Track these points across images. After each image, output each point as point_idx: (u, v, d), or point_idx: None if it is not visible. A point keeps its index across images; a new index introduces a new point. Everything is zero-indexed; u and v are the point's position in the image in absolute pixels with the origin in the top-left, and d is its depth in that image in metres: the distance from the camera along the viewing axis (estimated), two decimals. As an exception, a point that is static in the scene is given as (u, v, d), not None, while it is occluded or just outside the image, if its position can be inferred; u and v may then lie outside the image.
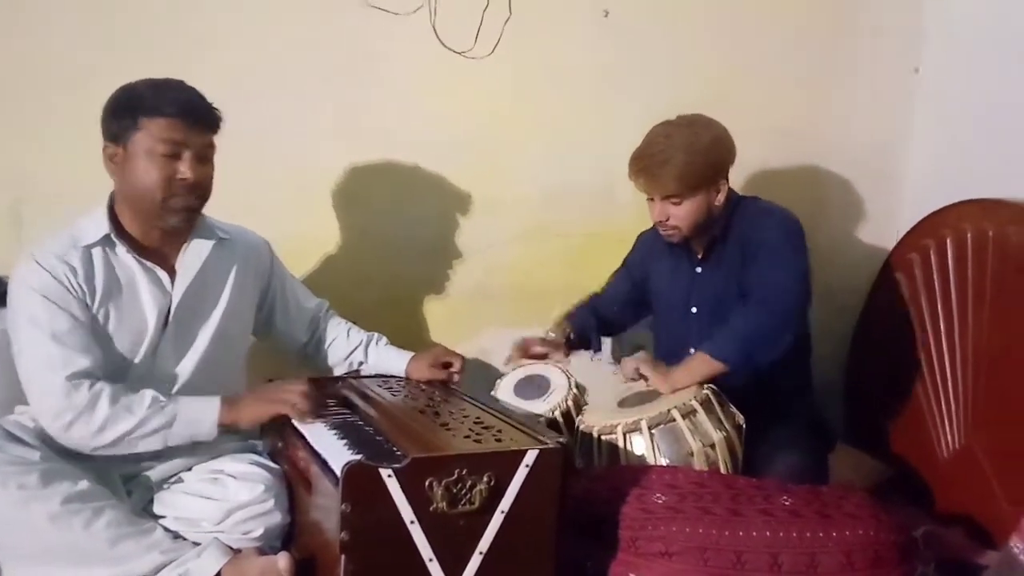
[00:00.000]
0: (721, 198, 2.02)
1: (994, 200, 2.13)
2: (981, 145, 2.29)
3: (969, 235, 2.17)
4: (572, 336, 2.18)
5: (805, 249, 2.01)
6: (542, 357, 2.15)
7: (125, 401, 1.57)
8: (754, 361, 1.89)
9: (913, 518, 1.83)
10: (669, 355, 2.07)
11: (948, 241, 2.23)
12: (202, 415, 1.61)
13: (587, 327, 2.23)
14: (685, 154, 1.93)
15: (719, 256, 2.08)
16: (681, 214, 2.00)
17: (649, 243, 2.26)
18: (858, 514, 1.61)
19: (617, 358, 2.36)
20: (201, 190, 1.67)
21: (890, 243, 2.50)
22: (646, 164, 1.97)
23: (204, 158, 1.66)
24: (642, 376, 1.98)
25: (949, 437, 2.17)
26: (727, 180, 2.03)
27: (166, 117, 1.60)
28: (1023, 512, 1.41)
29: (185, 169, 1.62)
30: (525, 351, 2.15)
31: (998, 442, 2.01)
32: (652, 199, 2.03)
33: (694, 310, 2.12)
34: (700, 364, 1.92)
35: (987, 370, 2.07)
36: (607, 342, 2.38)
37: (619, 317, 2.30)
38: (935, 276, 2.26)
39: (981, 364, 2.09)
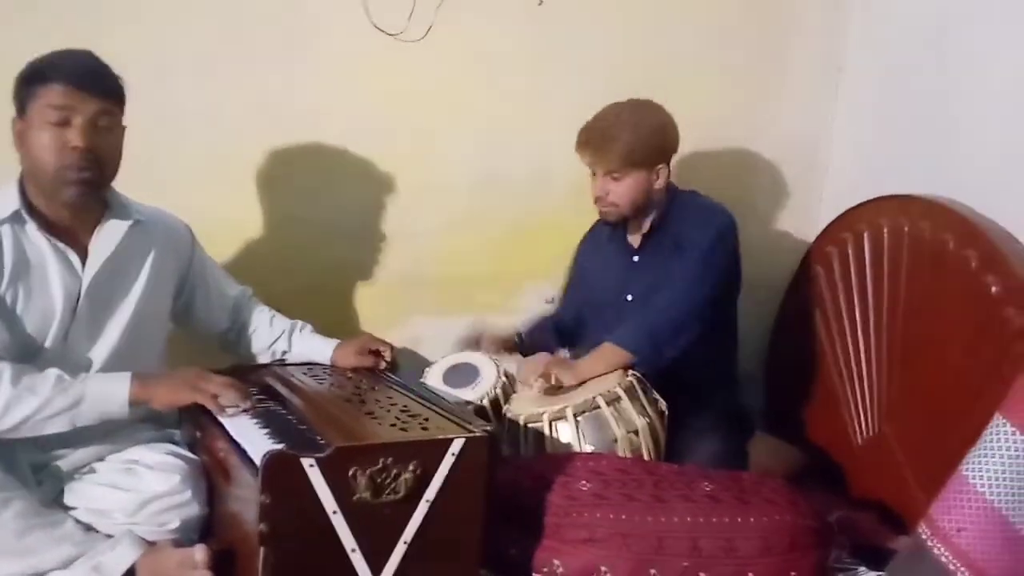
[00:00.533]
0: (661, 183, 2.07)
1: (910, 196, 2.19)
2: (899, 142, 2.36)
3: (885, 230, 2.23)
4: (524, 339, 2.22)
5: (730, 249, 2.07)
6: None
7: (28, 381, 1.50)
8: (660, 352, 1.93)
9: (828, 504, 1.88)
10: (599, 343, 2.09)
11: (865, 235, 2.29)
12: (111, 392, 1.55)
13: (544, 333, 2.26)
14: (630, 132, 2.00)
15: (655, 246, 2.12)
16: (620, 191, 2.04)
17: (587, 241, 2.31)
18: (775, 499, 1.65)
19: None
20: (96, 161, 1.58)
21: (811, 237, 2.56)
22: (592, 137, 2.04)
23: (99, 126, 1.58)
24: (544, 376, 1.97)
25: (863, 425, 2.24)
26: (668, 167, 2.09)
27: (55, 83, 1.54)
28: (933, 498, 1.46)
29: (75, 137, 1.55)
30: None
31: (910, 430, 2.08)
32: (594, 175, 2.08)
33: (629, 298, 2.14)
34: (608, 354, 1.95)
35: (900, 361, 2.14)
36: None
37: (572, 324, 2.31)
38: (852, 269, 2.33)
39: (895, 355, 2.16)
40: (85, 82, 1.56)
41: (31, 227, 1.60)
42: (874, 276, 2.26)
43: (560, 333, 2.29)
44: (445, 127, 2.33)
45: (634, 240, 2.17)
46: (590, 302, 2.26)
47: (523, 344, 2.24)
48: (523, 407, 1.91)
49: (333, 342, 1.98)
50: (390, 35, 2.22)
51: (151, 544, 1.54)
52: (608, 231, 2.22)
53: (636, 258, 2.15)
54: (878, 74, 2.48)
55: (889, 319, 2.19)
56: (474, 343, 2.20)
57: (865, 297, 2.27)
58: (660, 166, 2.06)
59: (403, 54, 2.24)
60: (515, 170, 2.41)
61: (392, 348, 1.98)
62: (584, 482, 1.66)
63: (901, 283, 2.17)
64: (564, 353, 2.30)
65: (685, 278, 2.00)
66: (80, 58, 1.59)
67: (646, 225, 2.13)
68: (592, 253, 2.27)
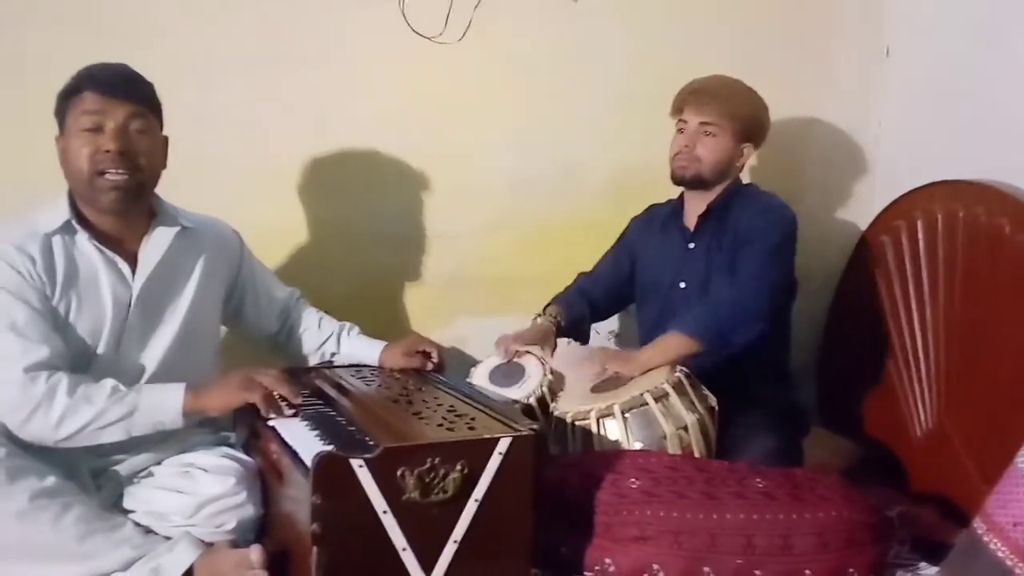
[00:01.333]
0: (741, 162, 2.10)
1: (964, 181, 2.14)
2: (951, 126, 2.30)
3: (940, 216, 2.18)
4: (562, 323, 2.16)
5: (793, 246, 2.05)
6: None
7: (84, 391, 1.53)
8: (727, 342, 1.91)
9: (887, 499, 1.84)
10: (653, 332, 2.07)
11: (919, 223, 2.24)
12: (165, 403, 1.58)
13: (581, 315, 2.21)
14: (742, 95, 2.07)
15: (712, 233, 2.09)
16: (709, 146, 2.05)
17: (643, 223, 2.28)
18: (831, 496, 1.62)
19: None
20: (130, 165, 1.61)
21: (863, 225, 2.51)
22: (699, 88, 2.08)
23: (131, 130, 1.61)
24: (606, 369, 1.95)
25: (922, 417, 2.18)
26: (751, 151, 2.10)
27: (87, 91, 1.59)
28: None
29: (107, 141, 1.58)
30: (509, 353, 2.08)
31: (970, 421, 2.03)
32: (682, 130, 2.08)
33: (682, 285, 2.12)
34: (673, 342, 1.92)
35: (959, 350, 2.09)
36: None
37: (607, 300, 2.27)
38: (906, 257, 2.28)
39: (953, 344, 2.11)
40: (115, 88, 1.60)
41: (81, 237, 1.64)
42: (929, 264, 2.20)
43: (592, 307, 2.24)
44: (483, 128, 2.34)
45: (690, 222, 2.14)
46: (641, 285, 2.23)
47: (560, 326, 2.17)
48: (570, 405, 1.89)
49: (380, 343, 1.99)
50: (427, 38, 2.24)
51: (208, 545, 1.56)
52: (663, 217, 2.21)
53: (692, 245, 2.13)
54: (926, 58, 2.42)
55: (946, 308, 2.14)
56: (511, 353, 2.11)
57: (920, 286, 2.22)
58: (747, 144, 2.08)
59: (441, 56, 2.25)
60: (553, 169, 2.41)
61: (439, 348, 1.99)
62: (633, 480, 1.64)
63: (957, 270, 2.11)
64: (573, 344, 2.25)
65: (752, 271, 1.96)
66: (111, 67, 1.64)
67: (703, 205, 2.10)
68: (647, 236, 2.24)
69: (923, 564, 1.77)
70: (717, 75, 2.11)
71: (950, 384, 2.11)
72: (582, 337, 2.26)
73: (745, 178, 2.22)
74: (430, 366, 1.96)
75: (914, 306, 2.23)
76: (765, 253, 1.98)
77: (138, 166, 1.63)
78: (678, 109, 2.10)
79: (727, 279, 2.03)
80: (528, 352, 2.08)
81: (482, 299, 2.39)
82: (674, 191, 2.21)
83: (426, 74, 2.26)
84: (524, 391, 2.00)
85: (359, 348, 1.99)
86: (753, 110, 2.08)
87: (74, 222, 1.63)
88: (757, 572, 1.55)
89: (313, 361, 2.00)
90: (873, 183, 2.59)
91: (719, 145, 2.05)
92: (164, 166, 1.71)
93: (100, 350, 1.64)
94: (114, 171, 1.59)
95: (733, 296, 1.96)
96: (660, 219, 2.22)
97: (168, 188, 1.74)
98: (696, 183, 2.09)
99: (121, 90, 1.61)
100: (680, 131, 2.10)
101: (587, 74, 2.39)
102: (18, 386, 1.50)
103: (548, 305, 2.21)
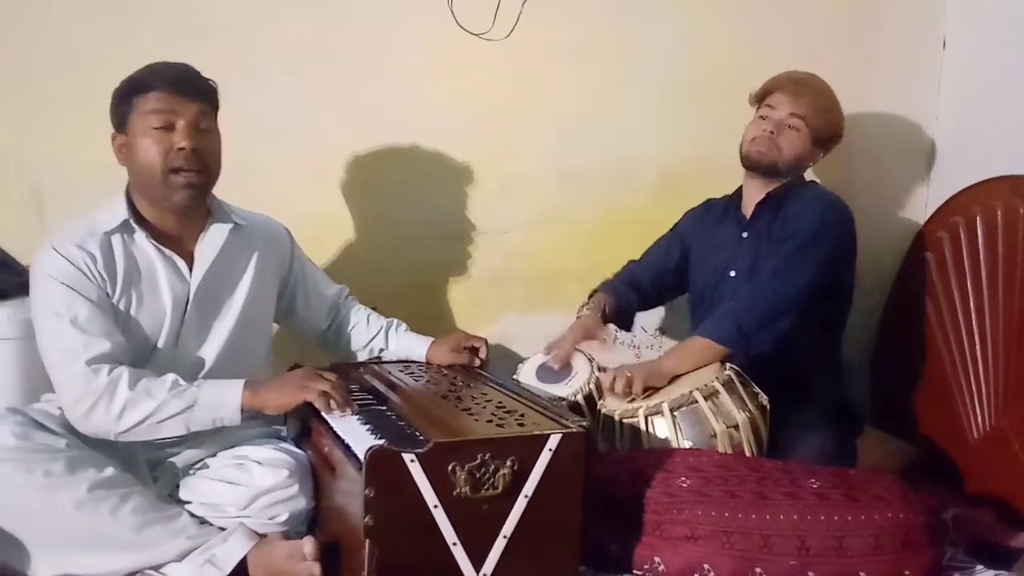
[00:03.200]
0: (813, 162, 2.11)
1: (1023, 176, 2.08)
2: (1010, 120, 2.24)
3: (999, 212, 2.12)
4: (607, 311, 2.13)
5: (835, 240, 2.01)
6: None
7: (145, 385, 1.57)
8: (751, 343, 1.89)
9: (943, 500, 1.81)
10: (704, 320, 2.04)
11: (978, 219, 2.19)
12: (225, 399, 1.60)
13: (627, 303, 2.19)
14: (830, 100, 2.09)
15: (766, 224, 2.07)
16: (791, 139, 2.05)
17: (699, 214, 2.26)
18: (886, 497, 1.59)
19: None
20: (202, 162, 1.64)
21: (919, 221, 2.46)
22: (796, 79, 2.07)
23: (200, 128, 1.64)
24: (624, 389, 1.88)
25: (979, 418, 2.13)
26: (822, 156, 2.11)
27: (154, 91, 1.61)
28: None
29: (180, 138, 1.61)
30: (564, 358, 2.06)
31: (1029, 422, 1.98)
32: (765, 116, 2.07)
33: (732, 273, 2.10)
34: (696, 346, 1.92)
35: (1018, 349, 2.03)
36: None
37: (654, 289, 2.25)
38: (965, 254, 2.22)
39: (1012, 343, 2.05)
40: (184, 86, 1.63)
41: (140, 236, 1.67)
42: (988, 261, 2.15)
43: (640, 295, 2.22)
44: (531, 123, 2.34)
45: (747, 209, 2.12)
46: (694, 283, 2.21)
47: (605, 314, 2.14)
48: (618, 402, 1.89)
49: (428, 340, 2.00)
50: (475, 35, 2.24)
51: (262, 536, 1.58)
52: (720, 208, 2.20)
53: (745, 234, 2.11)
54: (984, 50, 2.35)
55: (1005, 306, 2.08)
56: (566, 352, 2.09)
57: (979, 283, 2.16)
58: (821, 151, 2.10)
59: (489, 52, 2.25)
60: (601, 164, 2.40)
61: (486, 344, 1.99)
62: (684, 479, 1.63)
63: (1017, 268, 2.05)
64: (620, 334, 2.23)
65: (779, 266, 1.95)
66: (175, 66, 1.66)
67: (762, 193, 2.08)
68: (702, 227, 2.22)
69: (979, 567, 1.73)
70: (811, 72, 2.10)
71: (1008, 384, 2.05)
72: (626, 326, 2.24)
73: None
74: (477, 362, 1.96)
75: (972, 304, 2.18)
76: (797, 246, 1.95)
77: (207, 164, 1.66)
78: (767, 92, 2.08)
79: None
80: (577, 348, 2.08)
81: (530, 295, 2.39)
82: (725, 185, 2.19)
83: (474, 70, 2.27)
84: (571, 388, 2.00)
85: (407, 344, 2.01)
86: (837, 118, 2.09)
87: (132, 221, 1.66)
88: (810, 574, 1.53)
89: (361, 357, 2.02)
90: (929, 178, 2.53)
91: (801, 141, 2.04)
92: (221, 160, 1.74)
93: (160, 345, 1.68)
94: (187, 169, 1.62)
95: (752, 295, 1.94)
96: (718, 210, 2.21)
97: (224, 185, 1.76)
98: (770, 171, 2.07)
99: (190, 88, 1.63)
100: (763, 117, 2.07)
101: (636, 69, 2.37)
102: (81, 379, 1.54)
103: (595, 292, 2.20)
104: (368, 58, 2.22)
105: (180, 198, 1.64)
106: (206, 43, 2.05)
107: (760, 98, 2.10)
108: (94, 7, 2.05)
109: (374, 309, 2.05)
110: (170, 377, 1.59)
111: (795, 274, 1.93)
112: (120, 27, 2.05)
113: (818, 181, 2.15)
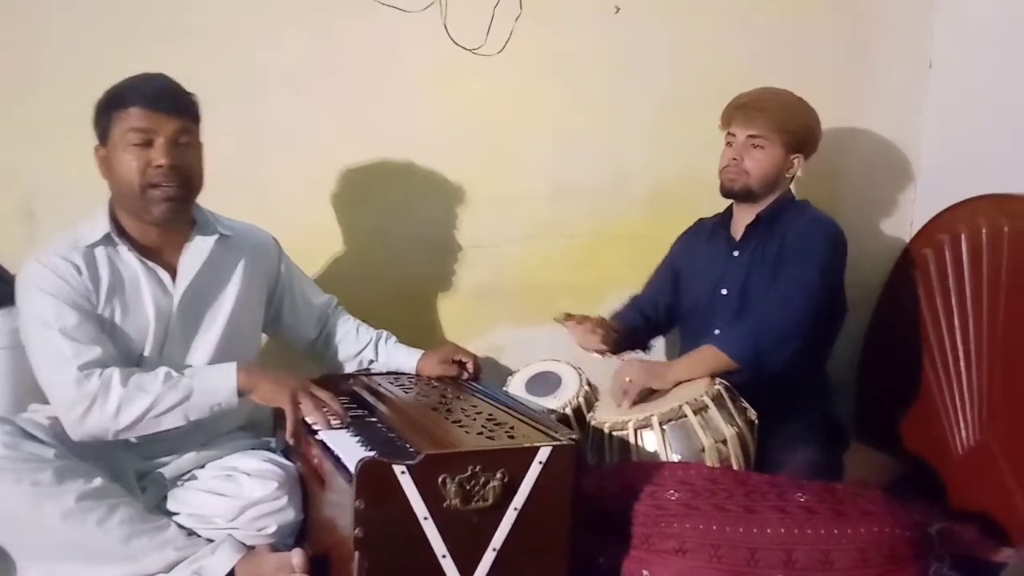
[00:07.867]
0: (792, 173, 2.10)
1: (1009, 195, 2.11)
2: (995, 140, 2.27)
3: (984, 230, 2.15)
4: (617, 333, 2.13)
5: (842, 266, 2.04)
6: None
7: (137, 380, 1.57)
8: (762, 363, 1.89)
9: (928, 515, 1.81)
10: (695, 338, 2.07)
11: (963, 236, 2.22)
12: (219, 382, 1.60)
13: (634, 324, 2.21)
14: (790, 107, 2.06)
15: (758, 242, 2.09)
16: (757, 159, 2.05)
17: (689, 236, 2.29)
18: (872, 511, 1.60)
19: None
20: (181, 177, 1.63)
21: (904, 239, 2.48)
22: (747, 102, 2.07)
23: (180, 144, 1.64)
24: (628, 394, 1.91)
25: (964, 433, 2.15)
26: (802, 162, 2.09)
27: (133, 106, 1.60)
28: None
29: (158, 155, 1.60)
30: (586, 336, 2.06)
31: (1014, 438, 1.99)
32: (731, 143, 2.08)
33: (724, 292, 2.11)
34: (707, 356, 1.92)
35: (1002, 365, 2.05)
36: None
37: (658, 316, 2.26)
38: (949, 271, 2.25)
39: (996, 359, 2.07)
40: (162, 103, 1.62)
41: (123, 248, 1.67)
42: (973, 278, 2.17)
43: (646, 319, 2.23)
44: (524, 138, 2.35)
45: (737, 232, 2.14)
46: (684, 301, 2.22)
47: (616, 337, 2.13)
48: (607, 415, 1.89)
49: (418, 352, 2.00)
50: (468, 50, 2.25)
51: (250, 548, 1.58)
52: (710, 227, 2.21)
53: (736, 252, 2.12)
54: (969, 71, 2.39)
55: (989, 322, 2.10)
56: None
57: (964, 300, 2.19)
58: (798, 156, 2.08)
59: (482, 67, 2.27)
60: (593, 179, 2.41)
61: (475, 358, 2.00)
62: (672, 492, 1.63)
63: (1001, 285, 2.08)
64: (638, 354, 2.24)
65: (796, 289, 1.94)
66: (155, 81, 1.65)
67: (752, 215, 2.10)
68: (690, 253, 2.24)
69: (963, 581, 1.74)
70: (765, 88, 2.11)
71: (992, 400, 2.08)
72: (640, 347, 2.26)
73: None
74: (466, 375, 1.97)
75: (956, 320, 2.20)
76: (811, 271, 1.95)
77: (187, 178, 1.66)
78: (726, 123, 2.10)
79: (766, 289, 2.02)
80: (566, 362, 2.09)
81: (520, 309, 2.40)
82: (717, 201, 2.21)
83: (467, 85, 2.28)
84: (560, 400, 2.01)
85: (396, 356, 2.01)
86: (803, 121, 2.07)
87: (114, 234, 1.66)
88: (797, 587, 1.54)
89: (351, 368, 2.02)
90: (915, 196, 2.56)
91: (767, 157, 2.05)
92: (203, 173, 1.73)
93: (145, 355, 1.67)
94: (166, 184, 1.62)
95: (771, 318, 1.93)
96: (707, 230, 2.23)
97: (215, 195, 1.77)
98: (744, 195, 2.09)
99: (169, 105, 1.63)
100: (729, 144, 2.10)
101: (628, 84, 2.39)
102: (73, 384, 1.54)
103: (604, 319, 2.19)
104: (362, 72, 2.23)
105: (159, 212, 1.64)
106: (204, 57, 2.05)
107: (723, 128, 2.12)
108: (91, 20, 2.05)
109: (364, 321, 2.04)
110: (162, 370, 1.59)
111: (810, 299, 1.93)
112: (117, 40, 2.05)
113: (810, 202, 2.15)
